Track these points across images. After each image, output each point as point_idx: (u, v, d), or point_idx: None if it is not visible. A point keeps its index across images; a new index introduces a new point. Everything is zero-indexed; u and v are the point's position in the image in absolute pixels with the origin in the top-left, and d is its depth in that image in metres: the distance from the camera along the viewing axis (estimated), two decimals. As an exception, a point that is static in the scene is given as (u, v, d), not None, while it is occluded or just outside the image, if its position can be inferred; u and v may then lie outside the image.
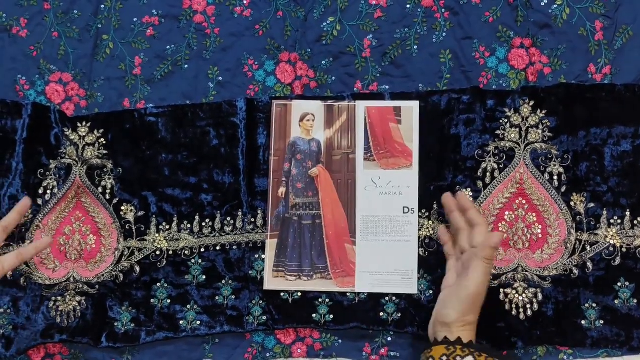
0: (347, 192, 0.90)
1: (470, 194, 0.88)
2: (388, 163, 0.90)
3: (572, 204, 0.86)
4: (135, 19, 0.97)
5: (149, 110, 0.93)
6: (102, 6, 0.98)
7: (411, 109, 0.90)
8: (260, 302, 0.88)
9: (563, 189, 0.87)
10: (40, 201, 0.91)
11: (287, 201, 0.90)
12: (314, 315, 0.87)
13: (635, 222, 0.86)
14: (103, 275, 0.90)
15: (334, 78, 0.94)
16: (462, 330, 0.75)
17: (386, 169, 0.90)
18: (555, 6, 0.92)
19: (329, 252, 0.89)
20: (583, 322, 0.84)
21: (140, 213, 0.91)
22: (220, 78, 0.95)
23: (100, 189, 0.92)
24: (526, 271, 0.86)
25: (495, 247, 0.77)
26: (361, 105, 0.91)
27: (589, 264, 0.85)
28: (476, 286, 0.76)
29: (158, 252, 0.90)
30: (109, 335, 0.88)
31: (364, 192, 0.90)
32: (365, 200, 0.89)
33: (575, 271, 0.85)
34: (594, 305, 0.84)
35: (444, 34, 0.93)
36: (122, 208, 0.91)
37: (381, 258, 0.88)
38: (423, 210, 0.88)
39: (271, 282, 0.89)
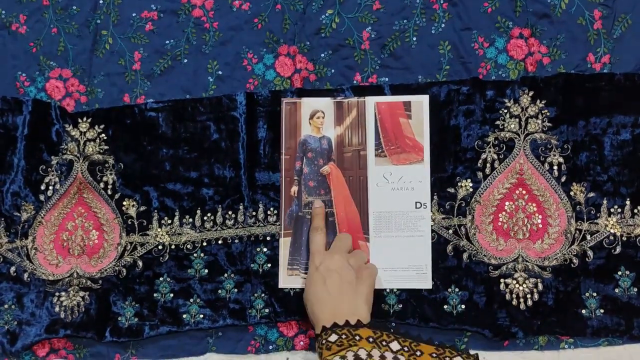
0: (359, 189, 0.90)
1: (471, 184, 0.88)
2: (399, 159, 0.90)
3: (572, 193, 0.86)
4: (134, 14, 0.97)
5: (149, 105, 0.93)
6: (101, 1, 0.98)
7: (421, 103, 0.90)
8: (263, 295, 0.89)
9: (563, 179, 0.87)
10: (42, 197, 0.92)
11: (300, 199, 0.90)
12: (316, 308, 0.88)
13: (635, 210, 0.86)
14: (106, 270, 0.90)
15: (333, 71, 0.94)
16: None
17: (397, 165, 0.90)
18: (554, -4, 0.92)
19: (342, 249, 0.89)
20: (583, 311, 0.84)
21: (142, 208, 0.91)
22: (220, 72, 0.95)
23: (102, 185, 0.92)
24: (526, 261, 0.86)
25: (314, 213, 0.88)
26: (371, 101, 0.91)
27: (589, 253, 0.85)
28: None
29: (160, 247, 0.90)
30: (112, 330, 0.88)
31: (375, 188, 0.90)
32: (377, 197, 0.89)
33: (575, 261, 0.85)
34: (594, 294, 0.85)
35: (443, 25, 0.93)
36: (124, 203, 0.92)
37: (395, 254, 0.88)
38: (423, 202, 0.89)
39: (286, 281, 0.88)
